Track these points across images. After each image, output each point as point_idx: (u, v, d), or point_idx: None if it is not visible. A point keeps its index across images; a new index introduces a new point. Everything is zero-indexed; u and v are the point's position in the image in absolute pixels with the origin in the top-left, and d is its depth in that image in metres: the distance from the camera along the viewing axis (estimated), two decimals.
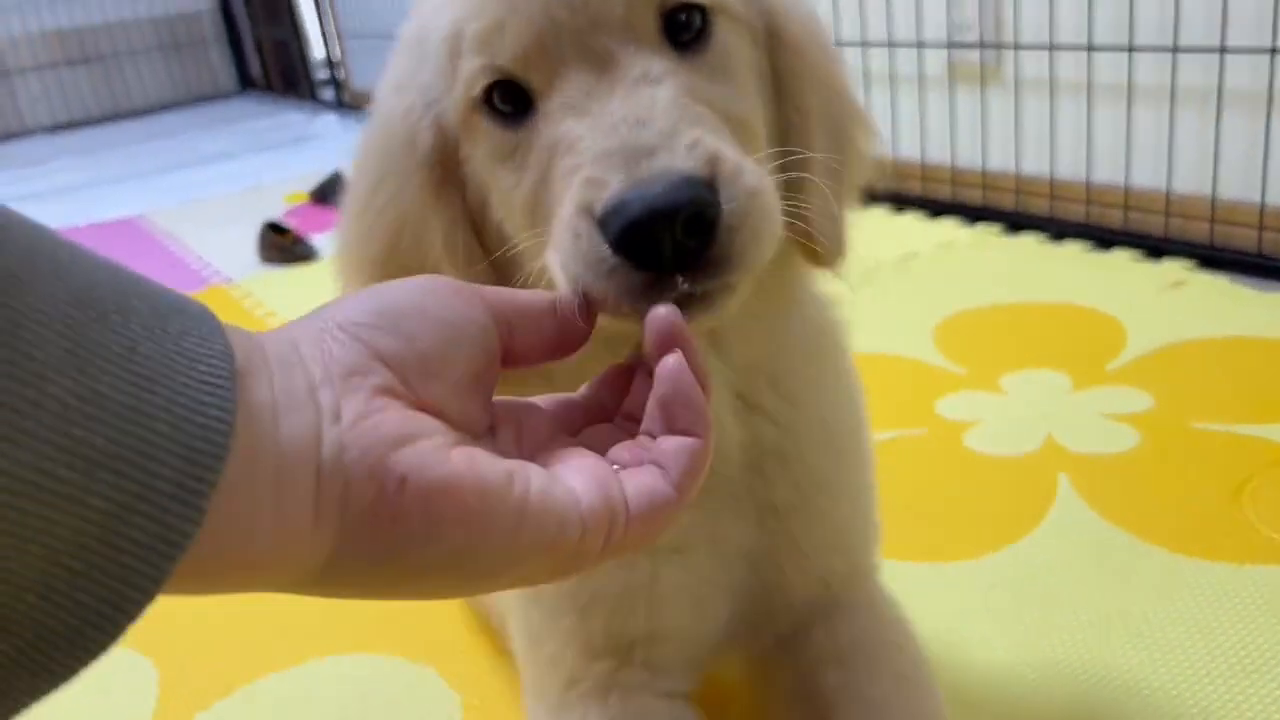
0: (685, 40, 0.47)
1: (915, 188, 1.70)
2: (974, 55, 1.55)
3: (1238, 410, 0.96)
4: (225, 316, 0.31)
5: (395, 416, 0.32)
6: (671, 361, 0.37)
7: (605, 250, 0.39)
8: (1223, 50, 1.26)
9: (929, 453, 0.97)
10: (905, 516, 0.87)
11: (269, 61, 4.52)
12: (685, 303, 0.39)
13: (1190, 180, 1.35)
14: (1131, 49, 1.36)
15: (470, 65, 0.47)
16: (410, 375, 0.33)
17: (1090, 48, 1.40)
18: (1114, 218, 1.44)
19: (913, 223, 1.63)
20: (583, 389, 0.41)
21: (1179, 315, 1.18)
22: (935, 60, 1.63)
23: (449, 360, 0.35)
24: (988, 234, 1.54)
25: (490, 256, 0.50)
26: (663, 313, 0.38)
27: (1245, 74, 1.26)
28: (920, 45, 1.63)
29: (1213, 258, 1.31)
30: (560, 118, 0.45)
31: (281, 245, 1.88)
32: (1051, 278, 1.35)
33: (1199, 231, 1.34)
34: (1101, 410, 0.99)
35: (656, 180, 0.39)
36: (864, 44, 1.72)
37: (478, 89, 0.47)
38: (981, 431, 0.99)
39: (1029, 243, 1.48)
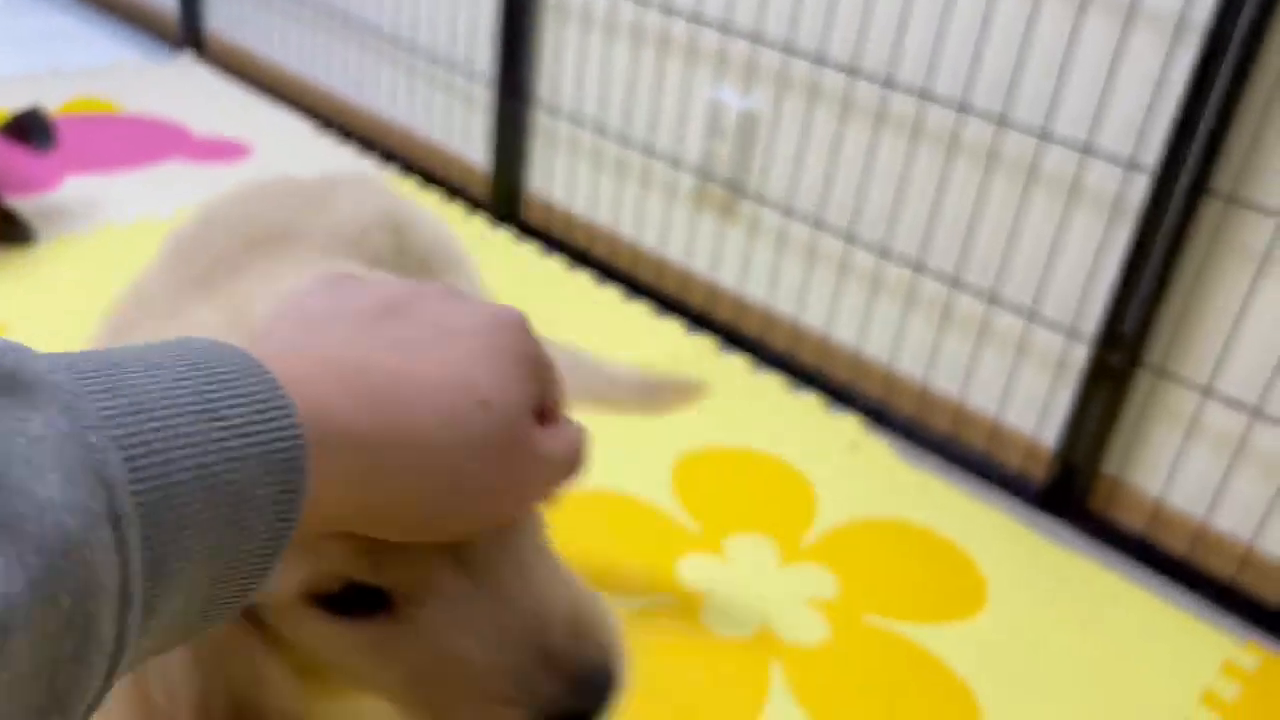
0: None
1: (649, 276, 1.88)
2: (719, 189, 1.75)
3: (899, 604, 1.25)
4: None
5: None
6: None
7: None
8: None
9: (673, 628, 1.17)
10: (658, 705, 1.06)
11: None
12: None
13: (874, 343, 1.65)
14: (850, 239, 1.62)
15: None
16: None
17: (817, 224, 1.65)
18: (808, 359, 1.72)
19: (643, 318, 1.82)
20: None
21: (856, 484, 1.47)
22: (687, 176, 1.80)
23: None
24: (706, 347, 1.76)
25: None
26: None
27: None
28: (675, 164, 1.80)
29: (882, 417, 1.62)
30: (433, 631, 0.46)
31: None
32: (756, 414, 1.60)
33: (873, 390, 1.65)
34: (800, 593, 1.25)
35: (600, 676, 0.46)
36: (623, 144, 1.86)
37: None
38: (711, 604, 1.20)
39: (738, 364, 1.73)
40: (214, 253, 0.67)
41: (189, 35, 2.67)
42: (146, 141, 2.17)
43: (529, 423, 0.43)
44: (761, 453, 1.50)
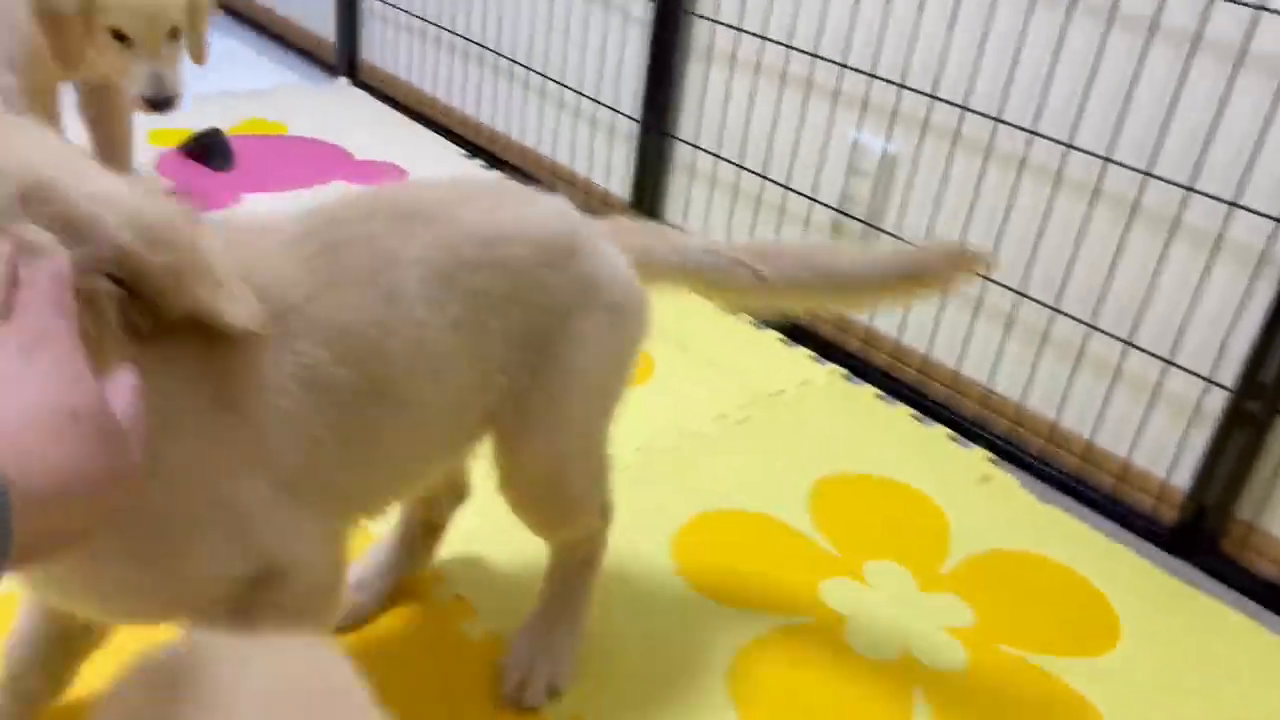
0: None
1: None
2: (857, 225, 1.82)
3: (1034, 636, 1.30)
4: None
5: None
6: None
7: None
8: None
9: (820, 648, 1.24)
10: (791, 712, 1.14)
11: None
12: None
13: (1004, 379, 1.70)
14: (984, 278, 1.67)
15: None
16: None
17: None
18: (937, 391, 1.78)
19: (774, 345, 1.90)
20: None
21: (988, 517, 1.52)
22: (822, 214, 1.88)
23: None
24: (835, 376, 1.83)
25: None
26: None
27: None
28: (812, 199, 1.88)
29: (1010, 453, 1.67)
30: None
31: None
32: (886, 444, 1.66)
33: (1000, 425, 1.70)
34: (939, 620, 1.31)
35: None
36: (764, 177, 1.95)
37: None
38: (855, 627, 1.28)
39: (866, 393, 1.79)
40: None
41: (345, 62, 2.84)
42: (313, 162, 2.34)
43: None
44: (894, 481, 1.57)
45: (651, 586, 1.29)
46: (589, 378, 0.98)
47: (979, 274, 1.15)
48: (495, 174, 2.41)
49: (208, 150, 2.22)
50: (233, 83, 2.76)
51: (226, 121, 2.37)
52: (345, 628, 1.17)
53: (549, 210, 0.97)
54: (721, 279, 1.08)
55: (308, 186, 2.22)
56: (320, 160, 2.35)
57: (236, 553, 0.76)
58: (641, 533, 1.37)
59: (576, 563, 1.14)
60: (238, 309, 0.71)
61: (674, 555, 1.35)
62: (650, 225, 1.10)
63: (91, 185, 0.64)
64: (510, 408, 0.94)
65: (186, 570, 0.75)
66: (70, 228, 0.61)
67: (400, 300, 0.83)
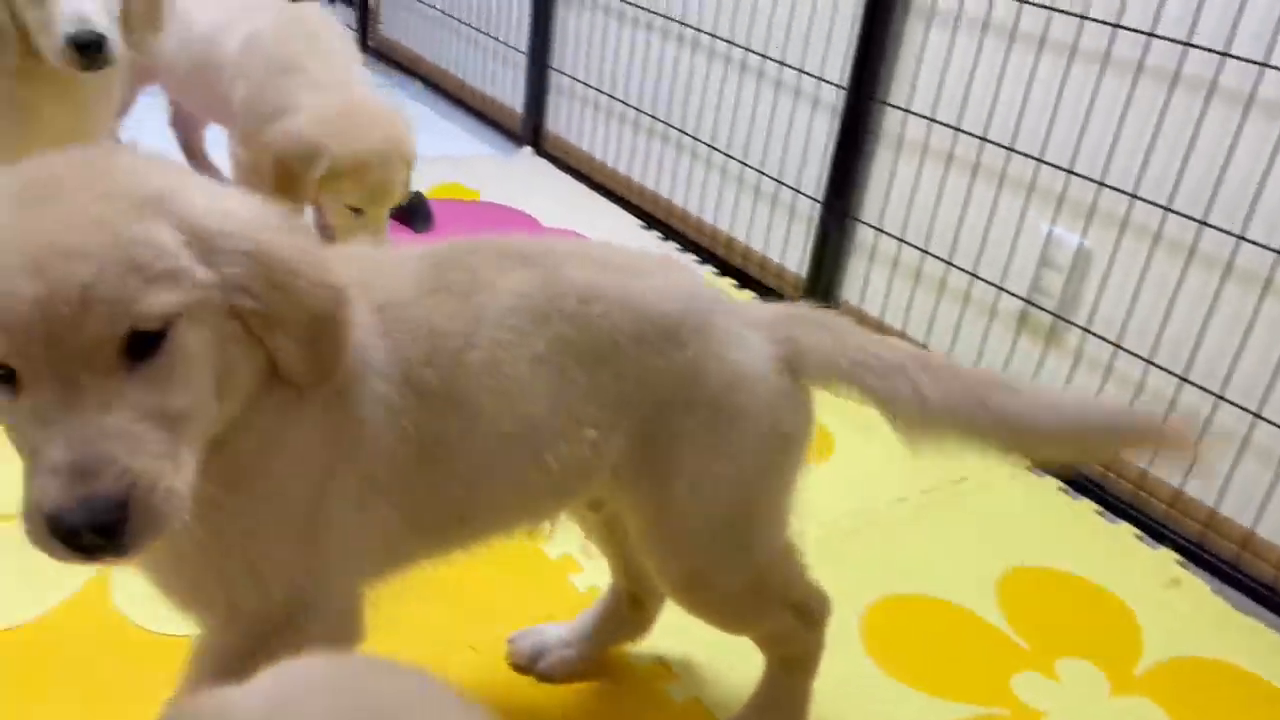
0: (143, 352, 0.66)
1: None
2: (1046, 316, 1.83)
3: None
4: None
5: None
6: None
7: (51, 539, 0.63)
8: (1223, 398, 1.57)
9: None
10: None
11: None
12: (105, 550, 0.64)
13: (1195, 481, 1.67)
14: (1184, 379, 1.66)
15: None
16: None
17: (1150, 362, 1.70)
18: (1123, 489, 1.76)
19: None
20: None
21: (1179, 621, 1.50)
22: (1010, 301, 1.89)
23: None
24: (1018, 468, 1.83)
25: None
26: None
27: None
28: (1000, 288, 1.90)
29: (1200, 557, 1.64)
30: (32, 419, 0.64)
31: None
32: (1072, 539, 1.65)
33: (1190, 527, 1.67)
34: None
35: (83, 507, 0.62)
36: (949, 263, 1.98)
37: None
38: None
39: (1049, 486, 1.79)
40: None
41: (531, 132, 3.00)
42: (504, 228, 2.47)
43: None
44: (1080, 577, 1.56)
45: (843, 668, 1.31)
46: (699, 478, 0.94)
47: (1177, 448, 0.98)
48: (649, 247, 2.49)
49: (410, 213, 2.37)
50: (424, 148, 2.94)
51: (423, 185, 2.53)
52: (551, 679, 1.23)
53: (660, 287, 0.94)
54: (878, 386, 0.95)
55: None
56: (511, 226, 2.49)
57: (297, 568, 0.82)
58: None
59: (780, 662, 1.14)
60: (343, 355, 0.77)
61: (863, 637, 1.38)
62: (828, 318, 1.01)
63: (223, 204, 0.71)
64: (617, 479, 0.95)
65: (240, 578, 0.80)
66: (202, 243, 0.69)
67: (487, 320, 0.87)
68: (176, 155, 2.39)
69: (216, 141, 2.32)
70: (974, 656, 1.37)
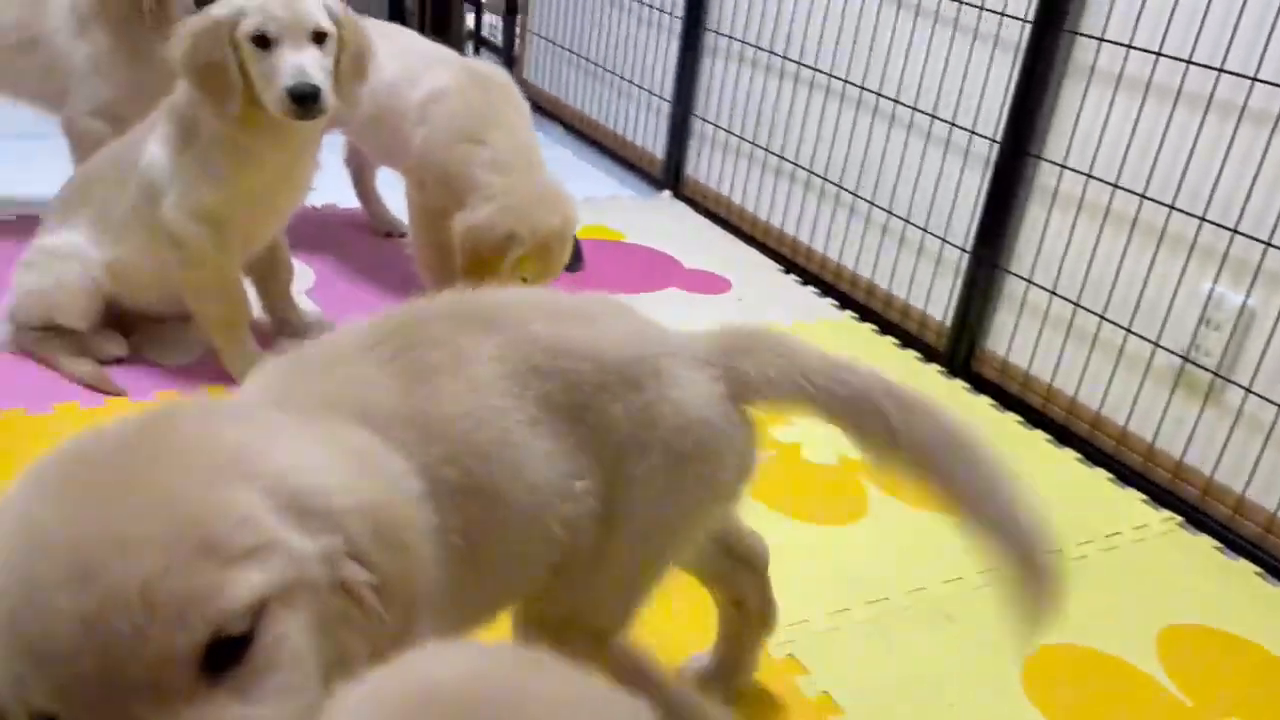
0: (228, 658, 0.51)
1: (1108, 445, 1.97)
2: (1204, 374, 1.83)
3: None
4: None
5: None
6: None
7: None
8: None
9: None
10: None
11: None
12: None
13: None
14: None
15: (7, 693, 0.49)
16: None
17: None
18: None
19: (1103, 484, 1.91)
20: None
21: None
22: (1164, 358, 1.89)
23: None
24: (1171, 523, 1.83)
25: None
26: None
27: None
28: (1156, 344, 1.90)
29: None
30: None
31: None
32: (1229, 598, 1.64)
33: None
34: None
35: None
36: (1103, 317, 1.99)
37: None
38: None
39: (1204, 545, 1.77)
40: None
41: (671, 176, 3.09)
42: (650, 269, 2.56)
43: None
44: (1241, 638, 1.55)
45: (1007, 713, 1.33)
46: (648, 524, 0.92)
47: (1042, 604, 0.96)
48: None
49: None
50: (570, 190, 3.05)
51: None
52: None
53: (612, 333, 0.92)
54: (848, 414, 0.93)
55: (647, 290, 2.43)
56: (656, 267, 2.57)
57: None
58: (993, 658, 1.42)
59: None
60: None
61: (1025, 686, 1.40)
62: (780, 340, 0.97)
63: (332, 479, 0.61)
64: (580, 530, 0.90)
65: None
66: (296, 505, 0.58)
67: (483, 391, 0.83)
68: (348, 191, 2.54)
69: (387, 182, 2.46)
70: (1140, 711, 1.38)
